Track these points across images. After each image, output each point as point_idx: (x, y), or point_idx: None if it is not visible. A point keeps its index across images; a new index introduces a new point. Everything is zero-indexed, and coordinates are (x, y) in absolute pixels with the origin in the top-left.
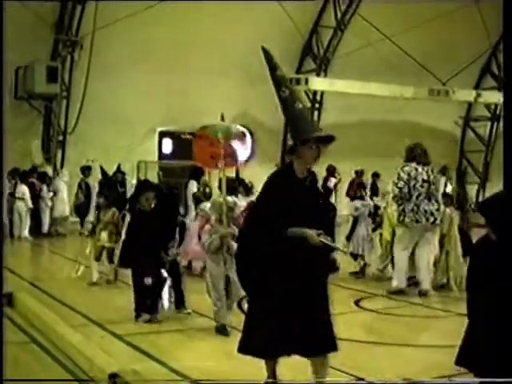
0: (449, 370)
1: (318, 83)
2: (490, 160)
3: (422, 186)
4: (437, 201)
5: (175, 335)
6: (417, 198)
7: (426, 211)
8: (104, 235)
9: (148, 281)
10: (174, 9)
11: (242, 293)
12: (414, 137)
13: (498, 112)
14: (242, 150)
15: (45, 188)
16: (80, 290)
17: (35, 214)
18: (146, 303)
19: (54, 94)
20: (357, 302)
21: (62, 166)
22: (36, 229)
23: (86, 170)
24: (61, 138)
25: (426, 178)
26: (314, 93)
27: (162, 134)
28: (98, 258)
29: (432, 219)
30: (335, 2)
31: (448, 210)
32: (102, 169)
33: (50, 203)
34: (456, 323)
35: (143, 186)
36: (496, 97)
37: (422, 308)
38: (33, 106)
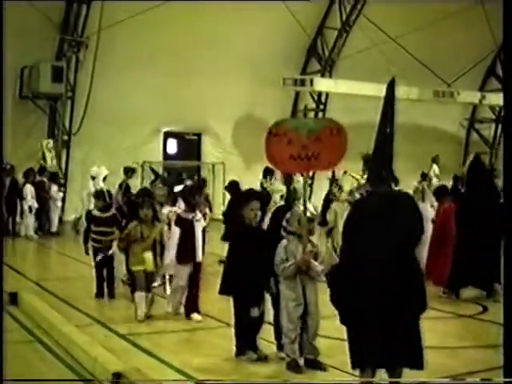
0: (449, 371)
1: (322, 84)
2: (495, 162)
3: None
4: None
5: (180, 335)
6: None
7: None
8: (149, 257)
9: (255, 312)
10: (179, 9)
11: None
12: (418, 138)
13: (502, 114)
14: (334, 149)
15: (55, 188)
16: (84, 290)
17: (45, 214)
18: (251, 338)
19: (58, 94)
20: None
21: (66, 167)
22: (44, 228)
23: (129, 171)
24: (65, 138)
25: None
26: (319, 94)
27: (167, 135)
28: (147, 288)
29: None
30: (340, 3)
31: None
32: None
33: (59, 204)
34: (458, 324)
35: (247, 194)
36: (501, 99)
37: None
38: (37, 105)
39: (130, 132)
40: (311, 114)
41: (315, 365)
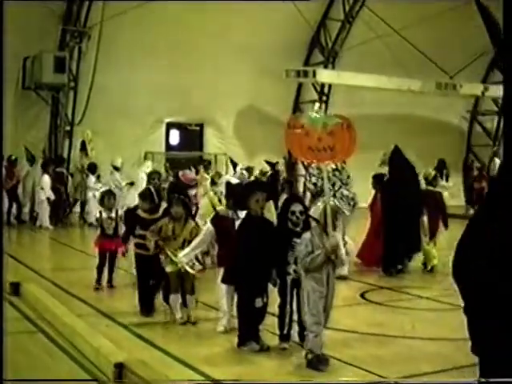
0: (453, 362)
1: (325, 75)
2: (497, 154)
3: (334, 175)
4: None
5: (182, 325)
6: (333, 186)
7: (346, 196)
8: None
9: (259, 303)
10: (182, 1)
11: None
12: (420, 130)
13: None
14: (346, 142)
15: (93, 179)
16: (88, 281)
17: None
18: (253, 329)
19: (61, 85)
20: (362, 295)
21: (68, 157)
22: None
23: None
24: (68, 128)
25: (334, 166)
26: (322, 85)
27: (170, 125)
28: (192, 290)
29: (353, 203)
30: None
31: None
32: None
33: (98, 194)
34: (462, 317)
35: (252, 185)
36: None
37: (428, 301)
38: (40, 96)
39: (133, 122)
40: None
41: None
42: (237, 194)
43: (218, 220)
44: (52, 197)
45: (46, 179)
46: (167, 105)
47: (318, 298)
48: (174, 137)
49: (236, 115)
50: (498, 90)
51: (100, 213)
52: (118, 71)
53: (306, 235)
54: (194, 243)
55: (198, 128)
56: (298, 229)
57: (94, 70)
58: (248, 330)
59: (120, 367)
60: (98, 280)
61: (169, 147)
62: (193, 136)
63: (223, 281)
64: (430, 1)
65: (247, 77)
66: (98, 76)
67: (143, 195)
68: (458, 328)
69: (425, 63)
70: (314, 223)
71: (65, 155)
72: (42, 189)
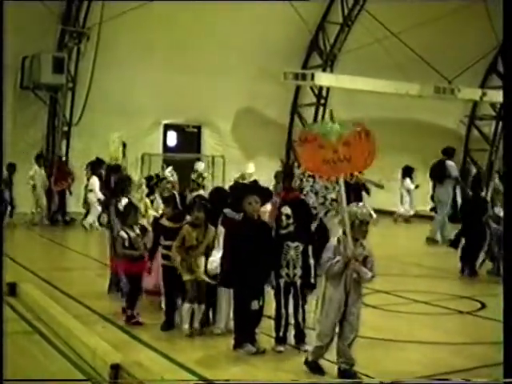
0: (450, 367)
1: (323, 79)
2: (495, 159)
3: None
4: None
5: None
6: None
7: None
8: (203, 265)
9: (255, 305)
10: (181, 4)
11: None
12: (418, 134)
13: (503, 111)
14: (364, 151)
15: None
16: (84, 281)
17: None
18: (249, 331)
19: (59, 85)
20: None
21: (66, 158)
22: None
23: None
24: (66, 129)
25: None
26: (320, 88)
27: (167, 127)
28: (204, 299)
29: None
30: None
31: None
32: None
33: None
34: (458, 321)
35: (247, 188)
36: (501, 96)
37: (425, 305)
38: (38, 96)
39: (131, 124)
40: (311, 109)
41: (349, 375)
42: (232, 197)
43: (226, 221)
44: (102, 198)
45: (96, 181)
46: (165, 106)
47: (334, 309)
48: (172, 138)
49: (234, 117)
50: (496, 95)
51: (125, 231)
52: (116, 72)
53: (332, 242)
54: (218, 247)
55: (195, 130)
56: (284, 231)
57: (93, 71)
58: (244, 333)
59: (116, 368)
60: (133, 312)
61: (166, 149)
62: (190, 138)
63: (220, 283)
64: (429, 5)
65: (245, 79)
66: (97, 77)
67: (166, 200)
68: (453, 332)
69: (423, 67)
70: (341, 232)
71: (62, 155)
72: (91, 191)
